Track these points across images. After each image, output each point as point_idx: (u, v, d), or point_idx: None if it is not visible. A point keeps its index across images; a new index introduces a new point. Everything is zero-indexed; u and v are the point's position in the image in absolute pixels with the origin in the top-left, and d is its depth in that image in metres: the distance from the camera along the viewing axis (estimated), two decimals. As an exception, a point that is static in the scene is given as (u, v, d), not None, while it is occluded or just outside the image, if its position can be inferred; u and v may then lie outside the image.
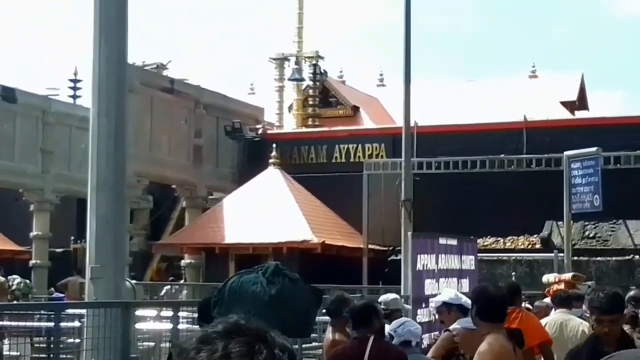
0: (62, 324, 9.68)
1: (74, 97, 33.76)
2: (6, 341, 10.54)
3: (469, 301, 7.87)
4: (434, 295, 12.97)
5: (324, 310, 10.45)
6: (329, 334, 8.09)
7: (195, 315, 8.04)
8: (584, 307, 11.07)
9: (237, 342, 1.86)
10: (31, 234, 28.67)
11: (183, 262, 29.46)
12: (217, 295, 3.41)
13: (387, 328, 7.74)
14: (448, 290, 8.29)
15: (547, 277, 16.89)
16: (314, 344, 11.07)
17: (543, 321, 10.22)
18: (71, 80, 34.16)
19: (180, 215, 31.86)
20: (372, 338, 6.56)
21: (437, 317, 7.90)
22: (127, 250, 10.44)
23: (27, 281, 18.81)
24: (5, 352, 11.71)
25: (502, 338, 6.05)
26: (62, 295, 21.01)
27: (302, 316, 3.33)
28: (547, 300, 13.26)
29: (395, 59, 26.61)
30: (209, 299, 6.52)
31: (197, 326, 6.65)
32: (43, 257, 28.36)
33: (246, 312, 3.00)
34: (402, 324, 7.32)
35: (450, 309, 7.83)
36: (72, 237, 29.90)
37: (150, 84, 28.94)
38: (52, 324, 10.23)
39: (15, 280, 14.84)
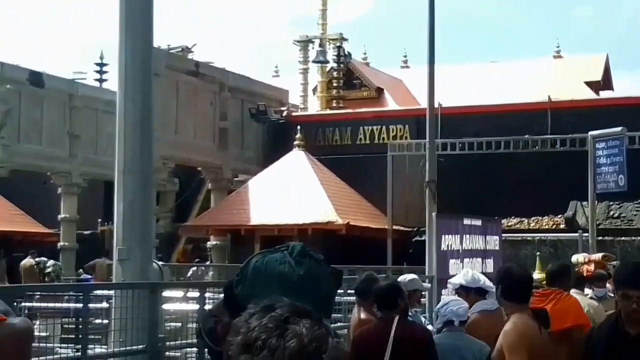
0: (91, 305, 9.78)
1: (100, 80, 33.93)
2: (37, 322, 10.67)
3: (488, 282, 7.87)
4: (459, 276, 13.05)
5: (349, 291, 10.49)
6: (356, 314, 8.10)
7: (222, 295, 8.10)
8: (608, 286, 11.04)
9: (312, 325, 1.83)
10: (59, 217, 28.89)
11: (209, 244, 29.60)
12: (239, 274, 3.42)
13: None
14: (465, 272, 8.23)
15: (577, 257, 16.81)
16: (338, 324, 11.12)
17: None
18: (97, 64, 34.32)
19: (205, 197, 31.97)
20: (397, 318, 6.59)
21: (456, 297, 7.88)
22: (153, 233, 10.51)
23: (59, 263, 18.99)
24: (35, 333, 11.84)
25: (527, 318, 6.05)
26: (89, 277, 21.21)
27: (326, 297, 3.35)
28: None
29: (419, 41, 26.55)
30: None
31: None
32: (71, 240, 28.59)
33: (272, 292, 3.02)
34: (446, 304, 7.36)
35: (468, 292, 7.81)
36: (100, 220, 30.12)
37: (176, 68, 29.01)
38: (80, 305, 10.33)
39: (49, 262, 15.01)
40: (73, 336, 10.97)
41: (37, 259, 13.60)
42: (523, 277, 6.20)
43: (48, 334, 10.83)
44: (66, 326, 11.85)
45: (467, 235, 13.71)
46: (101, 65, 34.22)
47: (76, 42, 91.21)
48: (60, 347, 10.48)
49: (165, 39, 31.16)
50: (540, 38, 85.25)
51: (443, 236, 13.12)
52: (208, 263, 28.09)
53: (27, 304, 11.01)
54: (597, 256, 16.52)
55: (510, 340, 5.93)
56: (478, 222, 14.24)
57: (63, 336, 11.44)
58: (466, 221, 13.95)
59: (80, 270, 23.97)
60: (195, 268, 24.66)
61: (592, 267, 14.49)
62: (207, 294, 9.62)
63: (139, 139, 9.68)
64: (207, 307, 8.88)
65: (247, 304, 3.57)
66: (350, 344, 6.88)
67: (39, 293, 11.17)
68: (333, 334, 1.86)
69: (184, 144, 28.89)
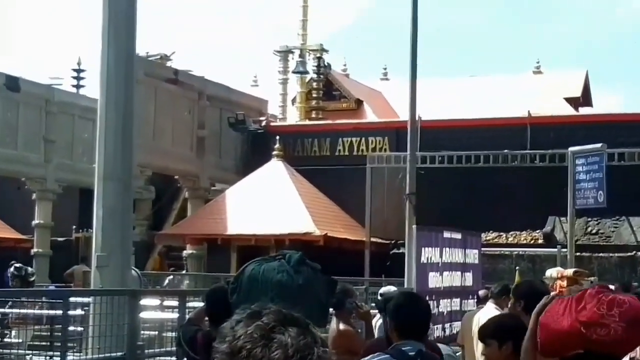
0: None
1: (77, 86, 33.81)
2: (14, 330, 10.60)
3: None
4: (438, 289, 13.09)
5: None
6: (333, 324, 8.20)
7: (200, 304, 8.07)
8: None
9: (298, 334, 1.82)
10: (33, 223, 28.73)
11: (185, 253, 29.54)
12: (234, 282, 3.44)
13: None
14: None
15: (550, 272, 16.94)
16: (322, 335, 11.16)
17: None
18: (74, 70, 34.20)
19: (182, 206, 31.91)
20: None
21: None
22: (131, 240, 10.48)
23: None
24: (7, 339, 11.76)
25: None
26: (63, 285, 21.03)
27: (322, 306, 3.38)
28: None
29: (399, 54, 26.74)
30: (219, 289, 6.58)
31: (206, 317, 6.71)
32: (45, 246, 28.43)
33: (269, 301, 3.05)
34: None
35: None
36: (74, 227, 29.96)
37: (155, 75, 28.97)
38: (54, 312, 10.26)
39: (29, 269, 14.79)
40: (44, 343, 10.90)
41: (17, 265, 13.39)
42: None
43: (20, 340, 10.77)
44: (37, 333, 11.77)
45: (447, 249, 13.73)
46: (78, 71, 34.11)
47: (52, 47, 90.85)
48: (32, 354, 10.40)
49: (143, 46, 31.05)
50: (520, 53, 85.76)
51: (423, 249, 13.13)
52: (184, 272, 28.03)
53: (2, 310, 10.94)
54: (569, 272, 16.65)
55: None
56: (458, 236, 14.27)
57: (35, 343, 11.36)
58: (446, 234, 13.98)
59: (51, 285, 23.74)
60: (171, 277, 24.62)
61: (564, 282, 14.59)
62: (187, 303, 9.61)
63: (120, 145, 9.69)
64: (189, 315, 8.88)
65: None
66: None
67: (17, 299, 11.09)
68: (320, 343, 1.85)
69: (162, 151, 28.84)
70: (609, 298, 2.71)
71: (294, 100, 38.26)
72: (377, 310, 8.79)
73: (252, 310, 1.88)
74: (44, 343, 11.22)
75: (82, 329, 10.19)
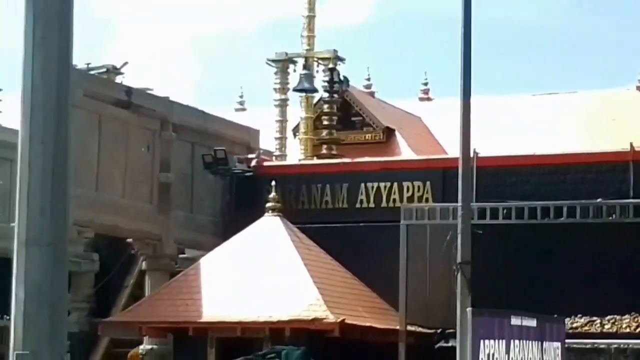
0: None
1: (-10, 113, 34.01)
2: None
3: None
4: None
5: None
6: None
7: None
8: None
9: None
10: None
11: (142, 348, 29.51)
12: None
13: None
14: None
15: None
16: None
17: None
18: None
19: (138, 281, 31.90)
20: None
21: None
22: (66, 331, 10.46)
23: None
24: None
25: None
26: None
27: None
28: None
29: (447, 63, 26.74)
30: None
31: None
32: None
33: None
34: None
35: None
36: (-16, 313, 30.00)
37: (98, 96, 29.07)
38: None
39: None
40: None
41: None
42: None
43: None
44: None
45: (517, 341, 13.78)
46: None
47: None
48: None
49: (83, 56, 31.09)
50: (619, 60, 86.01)
51: (482, 341, 13.17)
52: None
53: None
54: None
55: None
56: (532, 323, 14.32)
57: None
58: (515, 320, 14.02)
59: None
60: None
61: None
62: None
63: (50, 195, 9.67)
64: None
65: None
66: None
67: None
68: None
69: (109, 204, 28.88)
70: None
71: (296, 130, 38.36)
72: None
73: None
74: None
75: None
